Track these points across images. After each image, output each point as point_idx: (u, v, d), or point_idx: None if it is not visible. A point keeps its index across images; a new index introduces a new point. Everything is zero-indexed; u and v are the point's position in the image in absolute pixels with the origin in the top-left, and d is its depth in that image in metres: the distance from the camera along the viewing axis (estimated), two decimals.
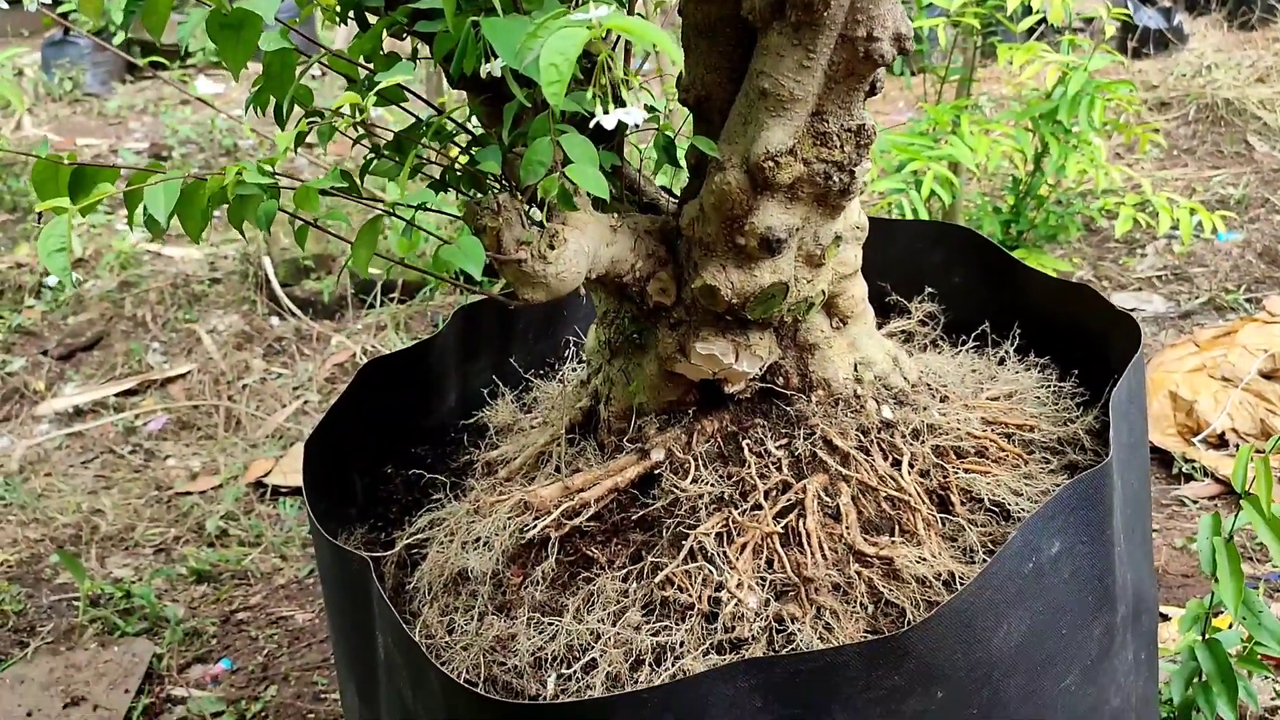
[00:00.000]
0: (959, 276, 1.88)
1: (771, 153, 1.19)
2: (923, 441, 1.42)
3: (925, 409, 1.45)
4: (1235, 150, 3.79)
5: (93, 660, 2.28)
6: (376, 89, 1.03)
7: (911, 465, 1.40)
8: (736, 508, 1.35)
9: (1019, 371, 1.64)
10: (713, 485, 1.37)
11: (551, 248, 1.17)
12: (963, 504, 1.39)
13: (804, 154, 1.21)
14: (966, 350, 1.75)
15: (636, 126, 0.81)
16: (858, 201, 1.42)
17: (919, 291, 1.90)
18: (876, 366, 1.48)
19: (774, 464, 1.40)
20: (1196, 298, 3.08)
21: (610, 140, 1.38)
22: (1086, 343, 1.61)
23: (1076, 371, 1.63)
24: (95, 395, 3.53)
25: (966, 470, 1.41)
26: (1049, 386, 1.61)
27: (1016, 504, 1.37)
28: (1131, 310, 3.07)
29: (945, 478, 1.39)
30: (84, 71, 6.73)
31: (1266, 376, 2.59)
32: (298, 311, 3.79)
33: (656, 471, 1.40)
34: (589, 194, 1.27)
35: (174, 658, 2.27)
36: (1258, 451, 1.43)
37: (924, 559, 1.29)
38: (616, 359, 1.48)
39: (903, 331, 1.86)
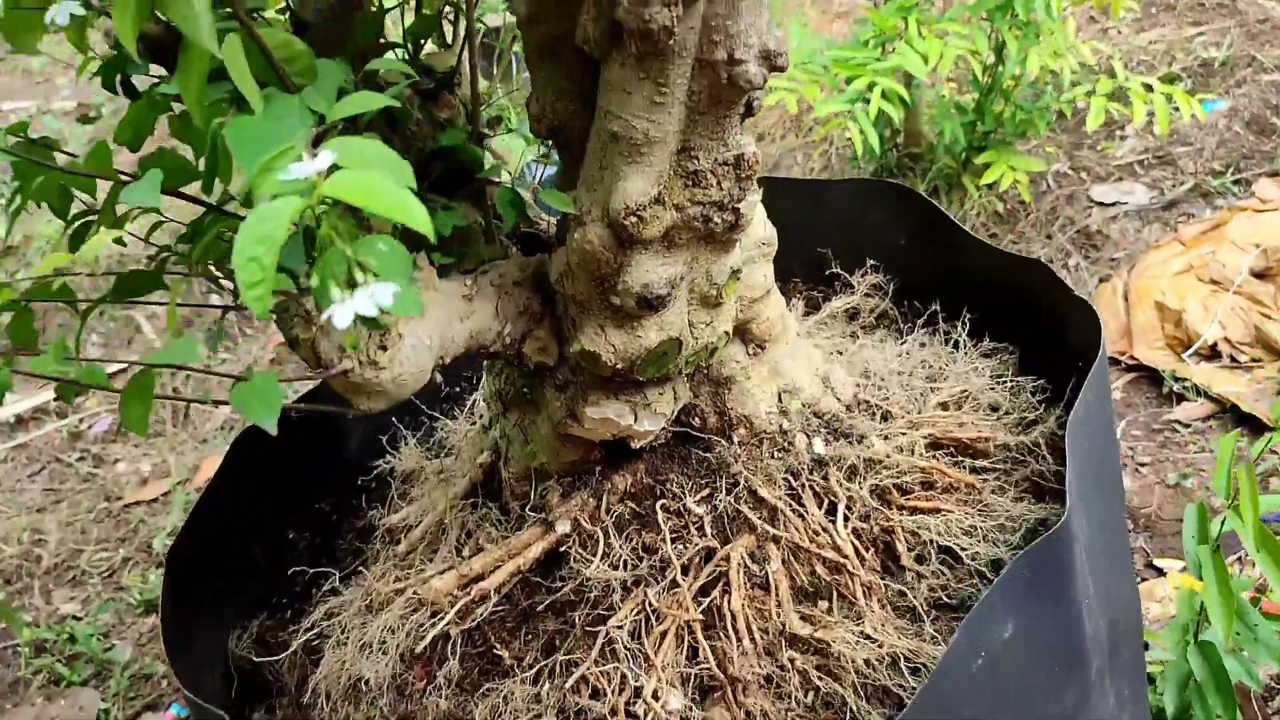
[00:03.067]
0: (903, 238, 1.68)
1: (632, 207, 0.98)
2: (861, 481, 1.24)
3: (862, 439, 1.28)
4: (1218, 1, 3.50)
5: (39, 717, 2.17)
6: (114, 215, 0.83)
7: (849, 512, 1.23)
8: (653, 586, 1.19)
9: (972, 363, 1.46)
10: (626, 560, 1.20)
11: (384, 349, 0.98)
12: (909, 550, 1.22)
13: (674, 199, 1.01)
14: (915, 334, 1.56)
15: (373, 316, 0.62)
16: (760, 212, 1.22)
17: (861, 257, 1.70)
18: (804, 392, 1.30)
19: (695, 525, 1.23)
20: (1181, 184, 2.85)
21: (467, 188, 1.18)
22: (1041, 323, 1.42)
23: (1031, 360, 1.45)
24: (36, 401, 3.37)
25: (912, 510, 1.24)
26: (1005, 380, 1.43)
27: (969, 546, 1.20)
28: (1113, 204, 2.86)
29: (888, 522, 1.23)
30: None
31: (1259, 276, 2.39)
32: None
33: (564, 547, 1.24)
34: (432, 261, 1.08)
35: (121, 708, 2.16)
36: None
37: (866, 636, 1.13)
38: (510, 413, 1.30)
39: (847, 310, 1.67)
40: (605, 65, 0.95)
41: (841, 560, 1.18)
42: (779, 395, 1.28)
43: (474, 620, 1.22)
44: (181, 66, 0.80)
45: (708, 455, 1.26)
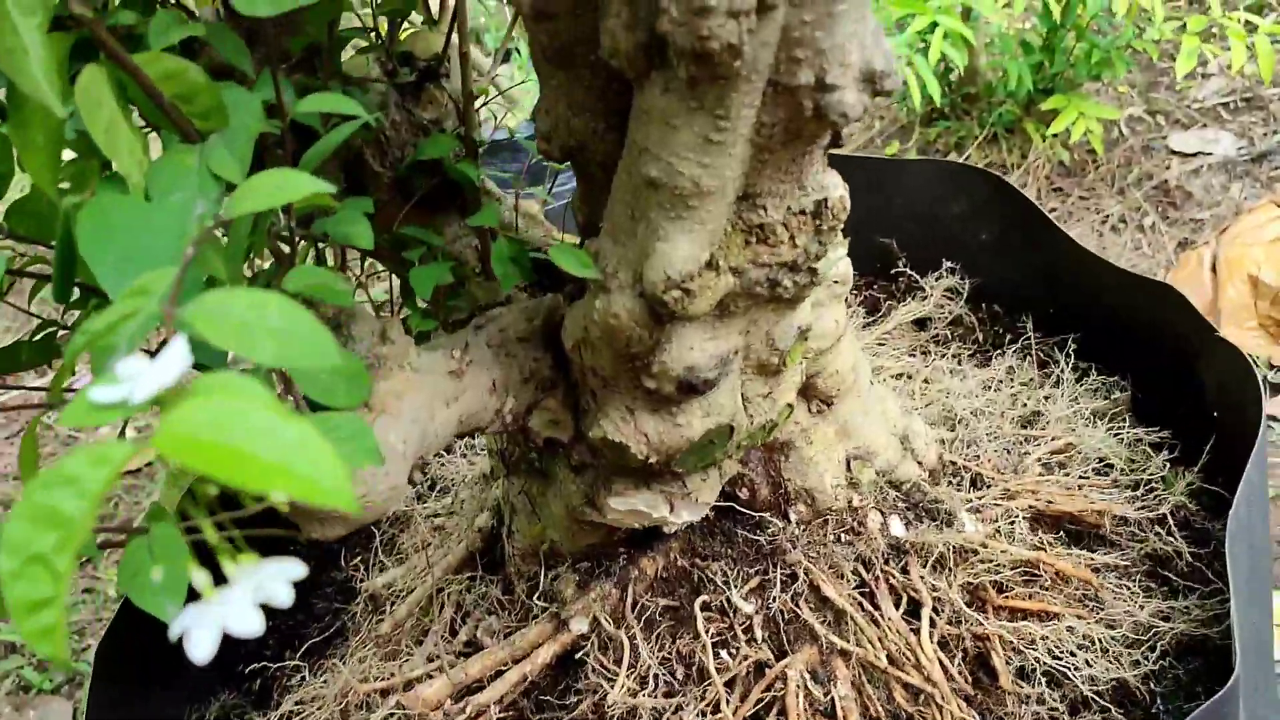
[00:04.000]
0: (986, 232, 1.41)
1: (674, 279, 0.72)
2: (950, 576, 1.00)
3: (950, 519, 1.03)
4: None
5: None
6: None
7: (935, 616, 0.99)
8: (691, 709, 0.96)
9: (1075, 402, 1.20)
10: (656, 673, 0.97)
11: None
12: (1007, 665, 0.99)
13: (731, 261, 0.75)
14: (1003, 355, 1.30)
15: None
16: (840, 240, 0.95)
17: (934, 253, 1.43)
18: (879, 458, 1.05)
19: (743, 628, 0.99)
20: (1275, 132, 2.54)
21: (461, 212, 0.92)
22: (1164, 358, 1.17)
23: (1149, 401, 1.19)
24: None
25: (1012, 613, 1.00)
26: (1118, 431, 1.17)
27: (1084, 665, 0.97)
28: (1194, 155, 2.55)
29: (981, 629, 0.99)
30: None
31: None
32: None
33: (579, 652, 1.01)
34: (409, 329, 0.82)
35: None
36: None
37: None
38: (515, 477, 1.06)
39: (916, 321, 1.41)
40: (640, 89, 0.68)
41: (927, 687, 0.94)
42: (848, 462, 1.03)
43: None
44: (15, 120, 0.53)
45: (758, 536, 1.02)
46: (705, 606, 1.00)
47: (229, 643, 1.11)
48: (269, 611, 1.13)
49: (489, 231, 0.92)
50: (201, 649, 0.35)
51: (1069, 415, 1.18)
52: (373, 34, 0.92)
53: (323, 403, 0.61)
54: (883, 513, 1.03)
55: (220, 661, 1.26)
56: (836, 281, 0.96)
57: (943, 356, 1.34)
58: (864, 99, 0.67)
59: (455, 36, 0.89)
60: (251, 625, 0.36)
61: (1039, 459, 1.13)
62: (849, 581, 1.00)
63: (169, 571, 0.57)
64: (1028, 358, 1.31)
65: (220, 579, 0.39)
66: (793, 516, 1.03)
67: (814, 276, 0.78)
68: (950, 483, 1.09)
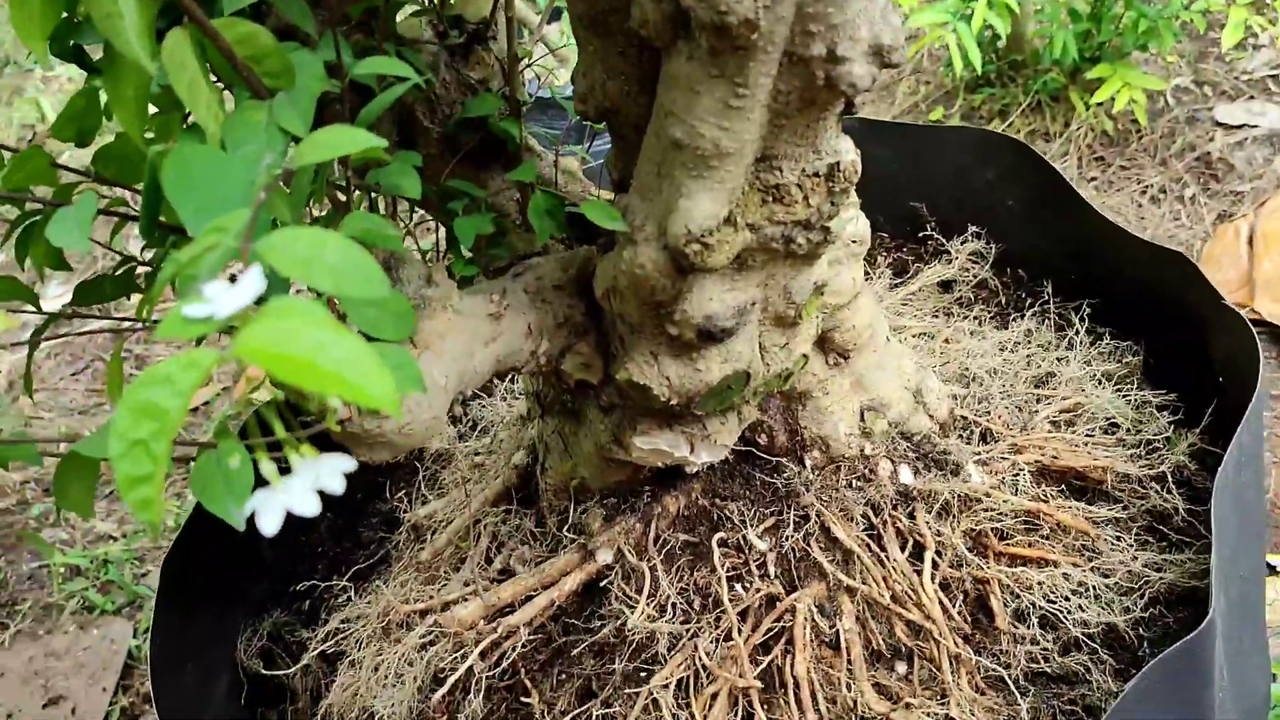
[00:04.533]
0: (1013, 199, 1.45)
1: (695, 232, 0.79)
2: (954, 522, 1.06)
3: (958, 470, 1.09)
4: None
5: (71, 648, 2.12)
6: None
7: (938, 559, 1.05)
8: (705, 635, 1.03)
9: (1088, 364, 1.25)
10: (675, 603, 1.04)
11: None
12: (1005, 608, 1.05)
13: (748, 218, 0.81)
14: (1022, 319, 1.35)
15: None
16: (853, 200, 1.01)
17: (961, 218, 1.48)
18: (892, 409, 1.11)
19: (757, 564, 1.06)
20: None
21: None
22: (1175, 325, 1.21)
23: (1159, 366, 1.24)
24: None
25: (1012, 559, 1.06)
26: (1127, 393, 1.22)
27: (1078, 609, 1.03)
28: (1239, 127, 2.55)
29: (982, 573, 1.05)
30: None
31: None
32: None
33: (604, 581, 1.08)
34: (452, 273, 0.90)
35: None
36: None
37: None
38: (549, 417, 1.13)
39: (941, 284, 1.46)
40: (668, 56, 0.74)
41: (927, 624, 1.00)
42: (862, 413, 1.10)
43: (501, 657, 1.08)
44: (110, 76, 0.61)
45: (774, 480, 1.09)
46: (723, 543, 1.07)
47: (281, 566, 1.20)
48: (318, 538, 1.22)
49: (529, 186, 0.99)
50: (270, 524, 0.43)
51: (1080, 377, 1.23)
52: None
53: (372, 335, 0.68)
54: (893, 461, 1.09)
55: (272, 584, 1.35)
56: (854, 241, 1.02)
57: (964, 318, 1.39)
58: (873, 70, 0.72)
59: (502, 0, 0.95)
60: (310, 507, 0.43)
61: (1048, 417, 1.18)
62: (859, 524, 1.06)
63: (237, 473, 0.65)
64: (1045, 321, 1.36)
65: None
66: (808, 462, 1.09)
67: (827, 235, 0.84)
68: (960, 436, 1.14)
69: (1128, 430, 1.18)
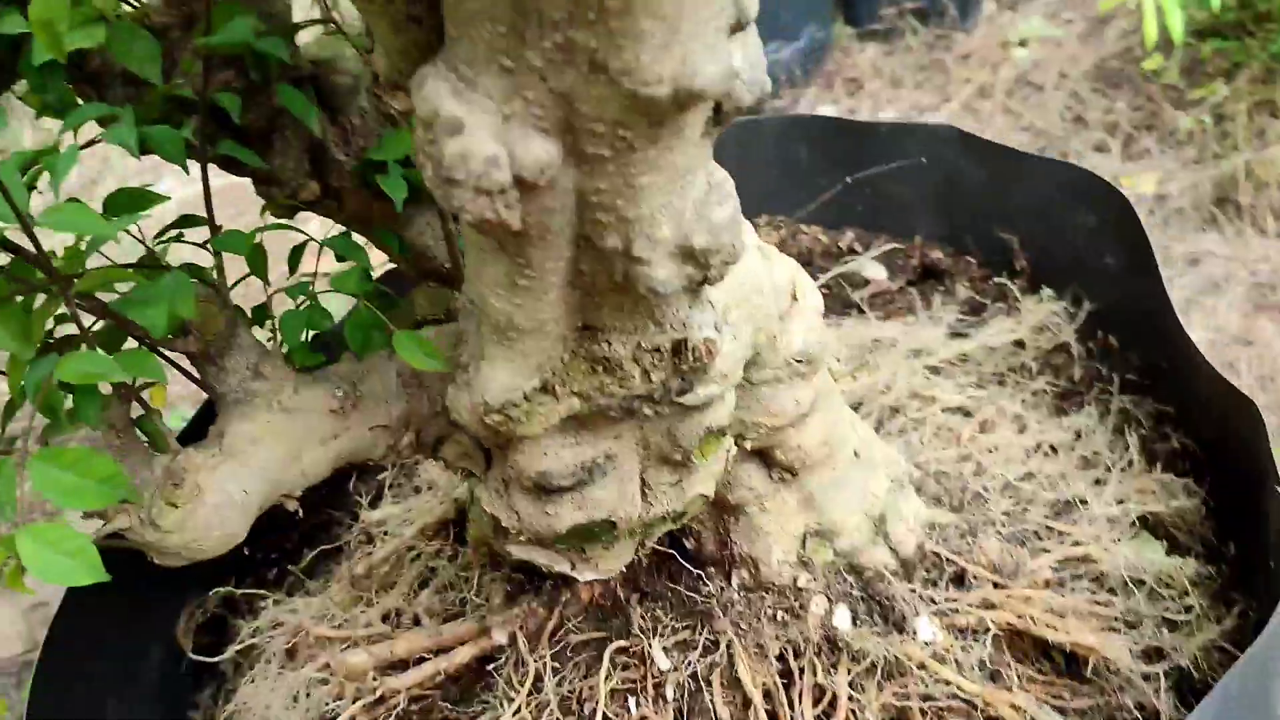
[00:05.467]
0: (1112, 257, 1.22)
1: (493, 405, 0.66)
2: (877, 688, 0.91)
3: (902, 625, 0.93)
4: None
5: None
6: None
7: None
8: None
9: (1129, 494, 1.04)
10: (551, 712, 0.95)
11: (174, 505, 0.74)
12: None
13: (575, 386, 0.67)
14: (1079, 412, 1.15)
15: None
16: (803, 320, 0.84)
17: (1054, 265, 1.26)
18: (842, 538, 0.95)
19: (655, 684, 0.95)
20: None
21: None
22: (1241, 480, 0.98)
23: (1219, 514, 1.02)
24: None
25: None
26: (1160, 547, 1.01)
27: None
28: None
29: None
30: None
31: None
32: None
33: (493, 665, 1.00)
34: (293, 361, 0.80)
35: None
36: None
37: None
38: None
39: (1015, 342, 1.25)
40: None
41: None
42: (804, 538, 0.95)
43: (378, 717, 1.02)
44: None
45: (695, 593, 0.96)
46: (623, 651, 0.96)
47: (254, 534, 1.15)
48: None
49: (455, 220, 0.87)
50: None
51: (1112, 518, 1.02)
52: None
53: (67, 505, 0.61)
54: (830, 599, 0.94)
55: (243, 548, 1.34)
56: (799, 360, 0.85)
57: (1020, 394, 1.18)
58: (685, 272, 0.56)
59: None
60: None
61: (1051, 563, 0.99)
62: (770, 667, 0.93)
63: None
64: (1107, 417, 1.14)
65: None
66: (734, 580, 0.96)
67: (684, 406, 0.69)
68: (927, 577, 0.98)
69: (1147, 595, 0.98)
